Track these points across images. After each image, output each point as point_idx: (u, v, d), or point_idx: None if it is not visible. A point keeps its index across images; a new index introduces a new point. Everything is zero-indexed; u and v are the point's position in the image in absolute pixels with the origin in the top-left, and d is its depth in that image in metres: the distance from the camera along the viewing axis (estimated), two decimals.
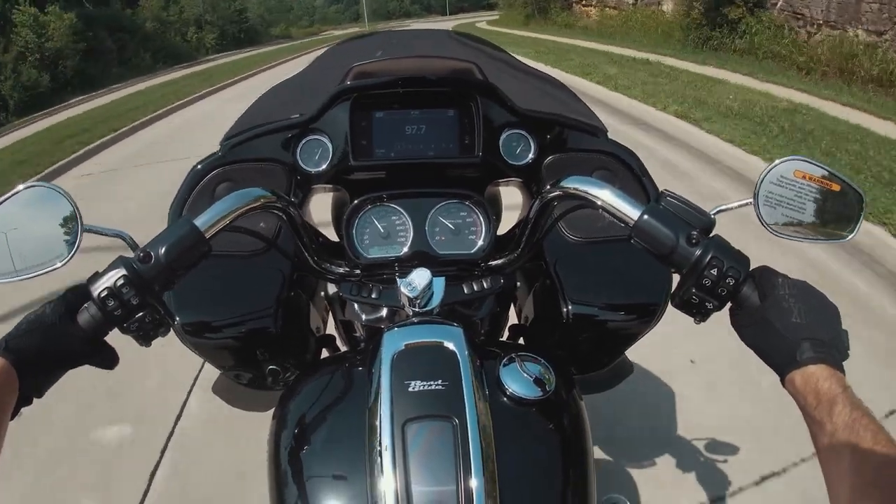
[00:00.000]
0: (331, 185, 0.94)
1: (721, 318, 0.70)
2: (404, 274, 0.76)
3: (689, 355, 2.41)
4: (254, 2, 37.79)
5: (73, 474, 2.07)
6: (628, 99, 7.46)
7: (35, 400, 0.62)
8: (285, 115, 0.92)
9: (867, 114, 5.98)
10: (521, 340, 1.03)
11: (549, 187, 0.79)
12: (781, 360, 0.61)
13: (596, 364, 0.97)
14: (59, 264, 0.68)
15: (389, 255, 0.86)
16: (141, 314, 0.65)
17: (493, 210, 0.91)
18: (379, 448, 0.60)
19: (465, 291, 0.85)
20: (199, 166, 0.91)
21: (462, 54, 1.17)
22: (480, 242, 0.88)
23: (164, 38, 25.02)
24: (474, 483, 0.58)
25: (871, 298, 2.90)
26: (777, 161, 0.70)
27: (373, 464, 0.60)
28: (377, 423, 0.62)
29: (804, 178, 0.70)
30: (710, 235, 0.67)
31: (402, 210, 0.87)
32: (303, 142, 0.90)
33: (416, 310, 0.77)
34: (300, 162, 0.90)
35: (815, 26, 9.11)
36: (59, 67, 15.21)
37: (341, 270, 0.88)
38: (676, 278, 0.69)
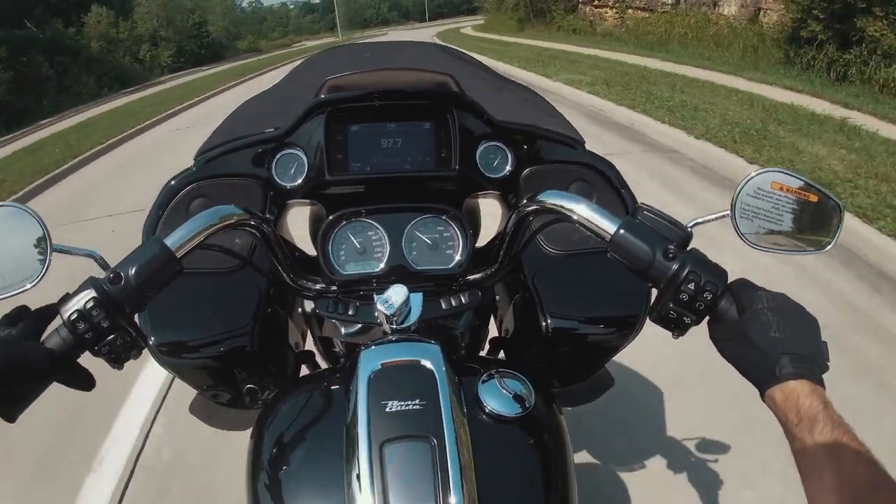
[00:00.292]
0: (307, 200, 0.92)
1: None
2: (381, 290, 0.75)
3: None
4: (216, 14, 34.88)
5: None
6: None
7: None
8: (260, 129, 0.91)
9: None
10: (501, 353, 1.02)
11: (525, 201, 0.79)
12: (760, 376, 0.61)
13: (576, 377, 0.96)
14: (29, 286, 0.66)
15: (366, 271, 0.85)
16: (112, 336, 0.64)
17: (471, 223, 0.90)
18: (357, 470, 0.59)
19: (444, 307, 0.84)
20: (172, 182, 0.89)
21: (438, 66, 1.14)
22: (458, 257, 0.87)
23: (111, 60, 22.25)
24: (454, 502, 0.57)
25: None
26: (754, 173, 0.69)
27: (350, 486, 0.59)
28: (355, 444, 0.61)
29: (781, 189, 0.69)
30: (688, 249, 0.66)
31: (378, 225, 0.86)
32: (278, 156, 0.88)
33: (394, 326, 0.76)
34: (275, 177, 0.88)
35: None
36: None
37: (318, 287, 0.87)
38: (654, 292, 0.68)
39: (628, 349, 0.91)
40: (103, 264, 0.68)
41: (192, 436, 2.14)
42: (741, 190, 0.69)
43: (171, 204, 0.88)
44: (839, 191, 3.78)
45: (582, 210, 0.71)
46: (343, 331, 0.91)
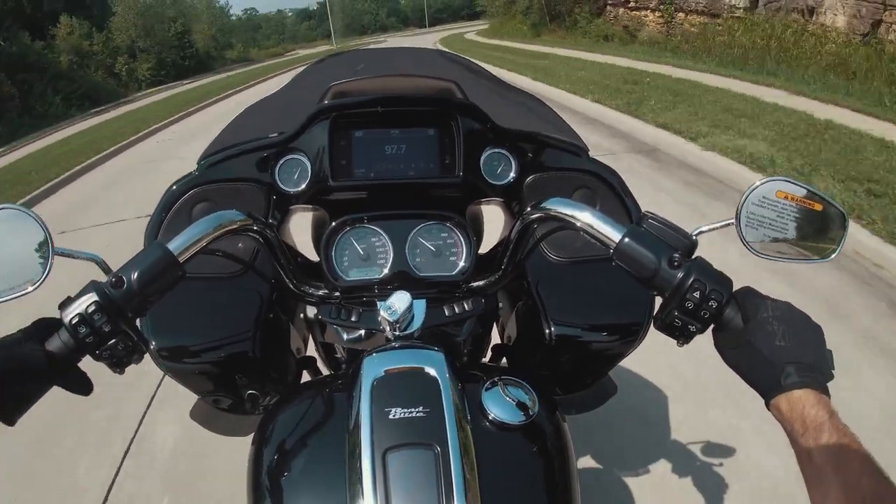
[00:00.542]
0: (310, 206, 0.92)
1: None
2: (384, 297, 0.75)
3: None
4: (203, 22, 32.68)
5: None
6: None
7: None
8: (264, 134, 0.91)
9: None
10: (504, 360, 1.02)
11: (529, 209, 0.79)
12: (765, 385, 0.61)
13: (579, 384, 0.96)
14: (30, 289, 0.66)
15: (369, 277, 0.85)
16: (113, 341, 0.63)
17: (474, 230, 0.90)
18: (359, 477, 0.59)
19: (447, 314, 0.83)
20: (174, 186, 0.89)
21: (442, 72, 1.13)
22: (461, 264, 0.87)
23: (83, 75, 19.98)
24: None
25: None
26: (758, 182, 0.69)
27: (353, 494, 0.59)
28: (357, 451, 0.60)
29: (786, 198, 0.69)
30: (693, 257, 0.66)
31: (381, 231, 0.86)
32: (281, 161, 0.88)
33: (397, 333, 0.76)
34: (278, 182, 0.88)
35: None
36: None
37: (321, 293, 0.86)
38: (659, 300, 0.68)
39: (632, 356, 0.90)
40: (106, 268, 0.67)
41: None
42: (746, 198, 0.69)
43: (174, 208, 0.87)
44: None
45: (587, 218, 0.71)
46: (345, 337, 0.90)
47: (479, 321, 0.98)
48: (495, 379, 0.70)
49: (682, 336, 0.67)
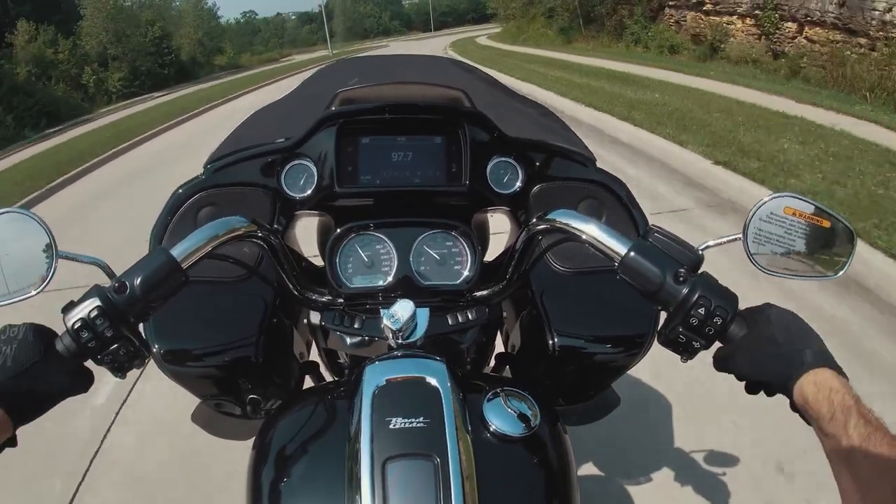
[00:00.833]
0: (316, 211, 0.92)
1: None
2: (388, 304, 0.75)
3: None
4: (189, 25, 30.03)
5: None
6: None
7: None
8: (270, 139, 0.91)
9: None
10: (507, 370, 1.01)
11: (535, 220, 0.79)
12: (788, 369, 0.59)
13: (582, 396, 0.96)
14: (33, 292, 0.66)
15: (373, 284, 0.85)
16: (115, 346, 0.63)
17: (479, 238, 0.90)
18: (358, 486, 0.58)
19: (450, 323, 0.83)
20: (180, 190, 0.89)
21: (450, 80, 1.13)
22: (466, 273, 0.86)
23: (42, 88, 17.25)
24: None
25: None
26: (766, 197, 0.69)
27: (352, 503, 0.59)
28: (357, 460, 0.60)
29: (794, 214, 0.69)
30: (699, 273, 0.66)
31: (386, 239, 0.86)
32: (287, 167, 0.88)
33: (400, 341, 0.75)
34: (284, 187, 0.89)
35: None
36: None
37: (324, 299, 0.86)
38: (664, 314, 0.68)
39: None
40: (109, 273, 0.68)
41: None
42: (754, 214, 0.68)
43: (179, 212, 0.87)
44: None
45: (592, 231, 0.71)
46: (349, 343, 0.90)
47: (482, 330, 0.97)
48: (497, 390, 0.70)
49: (686, 352, 0.66)
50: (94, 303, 0.62)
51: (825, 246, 0.70)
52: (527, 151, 0.91)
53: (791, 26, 9.58)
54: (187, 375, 0.83)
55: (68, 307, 0.63)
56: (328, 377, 1.07)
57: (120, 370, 0.66)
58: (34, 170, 8.41)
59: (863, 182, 4.00)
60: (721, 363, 0.66)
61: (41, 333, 0.62)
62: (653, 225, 0.71)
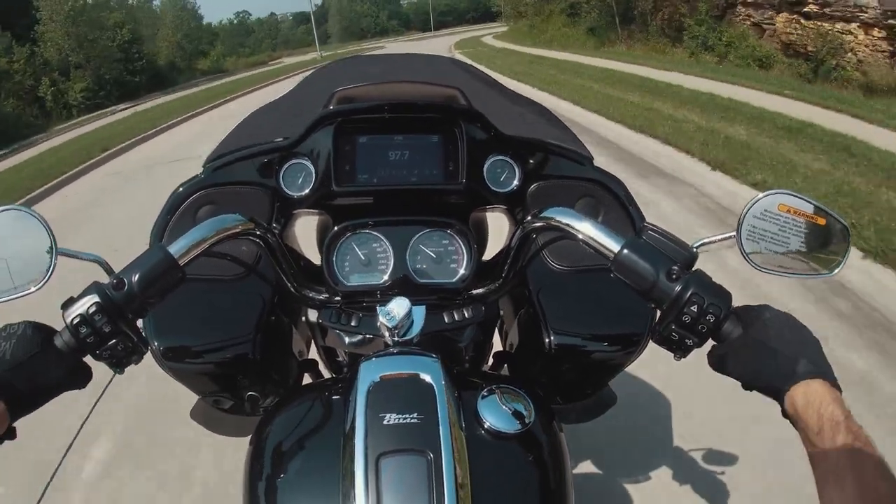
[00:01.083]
0: (314, 210, 0.93)
1: None
2: (385, 302, 0.75)
3: None
4: (168, 27, 27.52)
5: None
6: None
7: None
8: (269, 138, 0.91)
9: None
10: (504, 368, 1.01)
11: (530, 218, 0.79)
12: (780, 378, 0.59)
13: (579, 394, 0.96)
14: (33, 289, 0.67)
15: (370, 282, 0.85)
16: (113, 341, 0.64)
17: (476, 237, 0.90)
18: (352, 482, 0.59)
19: (446, 321, 0.83)
20: (180, 189, 0.89)
21: (446, 79, 1.15)
22: (462, 271, 0.86)
23: None
24: None
25: None
26: (761, 195, 0.68)
27: (346, 498, 0.59)
28: (351, 456, 0.61)
29: (788, 211, 0.68)
30: (692, 270, 0.66)
31: (383, 237, 0.86)
32: (286, 166, 0.89)
33: (396, 339, 0.76)
34: (283, 186, 0.89)
35: None
36: None
37: (321, 297, 0.87)
38: (658, 313, 0.68)
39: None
40: (108, 270, 0.68)
41: None
42: (748, 211, 0.68)
43: (179, 211, 0.88)
44: None
45: (586, 228, 0.71)
46: (347, 341, 0.91)
47: (479, 328, 0.98)
48: (492, 387, 0.70)
49: (679, 350, 0.66)
50: (92, 299, 0.63)
51: (820, 243, 0.69)
52: (524, 150, 0.91)
53: None
54: (186, 372, 0.84)
55: (67, 303, 0.64)
56: (327, 375, 1.07)
57: (118, 365, 0.67)
58: None
59: None
60: (715, 362, 0.66)
61: (40, 329, 0.64)
62: (647, 222, 0.72)
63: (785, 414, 0.60)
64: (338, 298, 0.85)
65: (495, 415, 0.66)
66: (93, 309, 0.63)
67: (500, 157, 0.90)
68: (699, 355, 0.69)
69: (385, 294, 0.83)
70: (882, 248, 3.04)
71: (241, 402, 0.89)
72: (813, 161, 4.68)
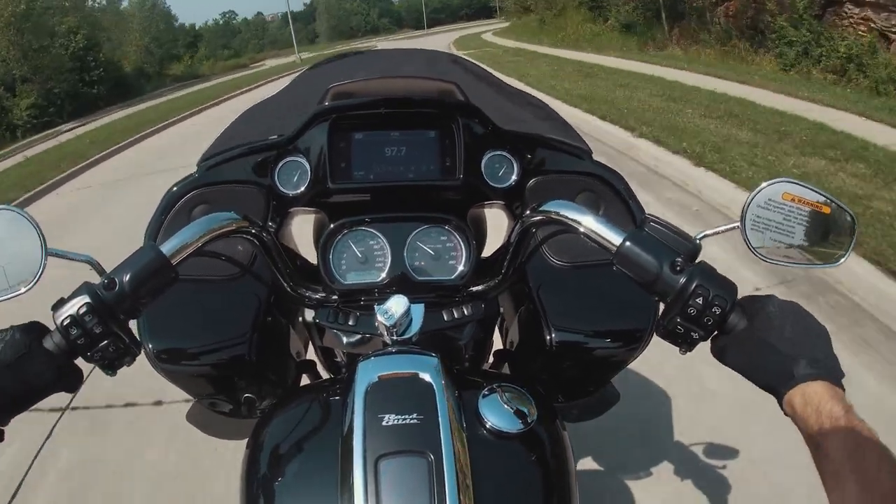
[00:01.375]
0: (310, 208, 0.91)
1: None
2: (382, 301, 0.74)
3: None
4: (134, 30, 25.00)
5: None
6: None
7: None
8: (264, 136, 0.90)
9: None
10: (505, 366, 1.00)
11: (529, 212, 0.78)
12: (778, 380, 0.59)
13: (581, 392, 0.95)
14: (23, 290, 0.66)
15: (367, 280, 0.84)
16: (105, 343, 0.63)
17: (475, 233, 0.89)
18: (351, 485, 0.58)
19: (445, 318, 0.82)
20: (174, 188, 0.88)
21: (442, 74, 1.12)
22: (461, 268, 0.85)
23: None
24: None
25: None
26: (764, 183, 0.67)
27: (345, 501, 0.58)
28: (350, 458, 0.59)
29: (793, 200, 0.67)
30: (696, 262, 0.65)
31: (380, 234, 0.85)
32: (281, 163, 0.87)
33: (395, 338, 0.75)
34: (278, 184, 0.87)
35: None
36: None
37: (318, 296, 0.85)
38: (662, 306, 0.67)
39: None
40: (100, 270, 0.67)
41: None
42: (752, 201, 0.66)
43: (173, 210, 0.87)
44: None
45: (587, 221, 0.70)
46: (345, 341, 0.91)
47: (479, 326, 0.97)
48: (493, 386, 0.69)
49: (685, 343, 0.65)
50: (83, 300, 0.62)
51: (825, 232, 0.68)
52: (522, 145, 0.90)
53: None
54: (181, 374, 0.83)
55: (58, 304, 0.63)
56: (325, 376, 1.06)
57: (110, 367, 0.66)
58: None
59: None
60: (718, 352, 0.65)
61: (30, 330, 0.63)
62: (649, 214, 0.70)
63: (785, 412, 0.59)
64: (335, 297, 0.84)
65: (497, 414, 0.65)
66: (83, 310, 0.61)
67: (498, 153, 0.88)
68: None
69: (383, 292, 0.82)
70: None
71: (238, 404, 0.88)
72: None
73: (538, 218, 0.76)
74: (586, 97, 7.70)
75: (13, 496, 2.14)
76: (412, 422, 0.60)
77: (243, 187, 0.87)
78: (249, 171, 0.88)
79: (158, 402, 2.50)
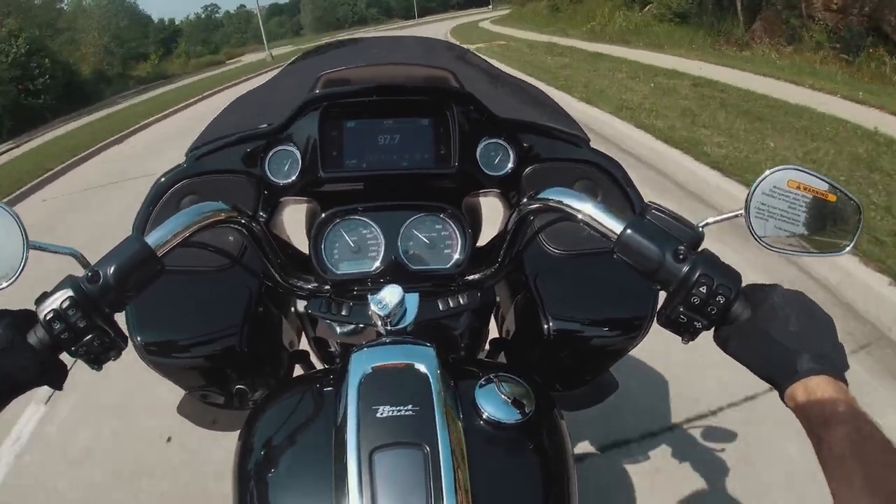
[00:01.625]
0: (301, 197, 0.90)
1: None
2: (376, 290, 0.73)
3: None
4: (92, 29, 22.38)
5: None
6: None
7: None
8: (254, 125, 0.88)
9: None
10: (502, 355, 0.99)
11: (526, 200, 0.77)
12: (780, 374, 0.58)
13: (579, 381, 0.94)
14: (5, 284, 0.65)
15: (360, 270, 0.82)
16: (89, 337, 0.62)
17: (471, 222, 0.87)
18: (345, 478, 0.57)
19: (441, 308, 0.80)
20: (162, 179, 0.86)
21: (436, 61, 1.10)
22: (456, 256, 0.83)
23: None
24: None
25: None
26: (769, 171, 0.65)
27: (339, 494, 0.57)
28: (343, 451, 0.58)
29: (798, 188, 0.65)
30: (699, 250, 0.63)
31: (373, 223, 0.83)
32: (271, 153, 0.85)
33: (389, 328, 0.73)
34: (268, 173, 0.85)
35: None
36: None
37: (310, 286, 0.84)
38: (663, 295, 0.66)
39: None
40: (84, 263, 0.66)
41: None
42: (756, 188, 0.65)
43: (162, 201, 0.85)
44: None
45: (587, 208, 0.68)
46: (338, 331, 0.90)
47: (475, 315, 0.97)
48: (490, 376, 0.68)
49: (688, 332, 0.64)
50: (66, 293, 0.61)
51: (830, 221, 0.66)
52: (518, 132, 0.88)
53: None
54: (171, 367, 0.82)
55: (41, 298, 0.62)
56: (319, 366, 1.04)
57: (95, 362, 0.65)
58: None
59: None
60: (721, 342, 0.64)
61: (12, 324, 0.61)
62: (650, 201, 0.68)
63: (786, 405, 0.58)
64: (327, 287, 0.82)
65: (494, 404, 0.65)
66: (66, 304, 0.60)
67: (494, 140, 0.87)
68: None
69: (376, 282, 0.81)
70: None
71: (230, 395, 0.87)
72: None
73: (536, 206, 0.75)
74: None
75: None
76: (407, 413, 0.60)
77: (233, 177, 0.86)
78: (239, 161, 0.86)
79: None
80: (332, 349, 1.03)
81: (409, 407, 0.60)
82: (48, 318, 0.60)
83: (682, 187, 4.15)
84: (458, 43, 12.63)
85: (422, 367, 0.64)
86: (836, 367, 0.56)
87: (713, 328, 0.64)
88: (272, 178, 0.84)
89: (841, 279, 2.70)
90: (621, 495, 1.79)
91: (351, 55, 1.24)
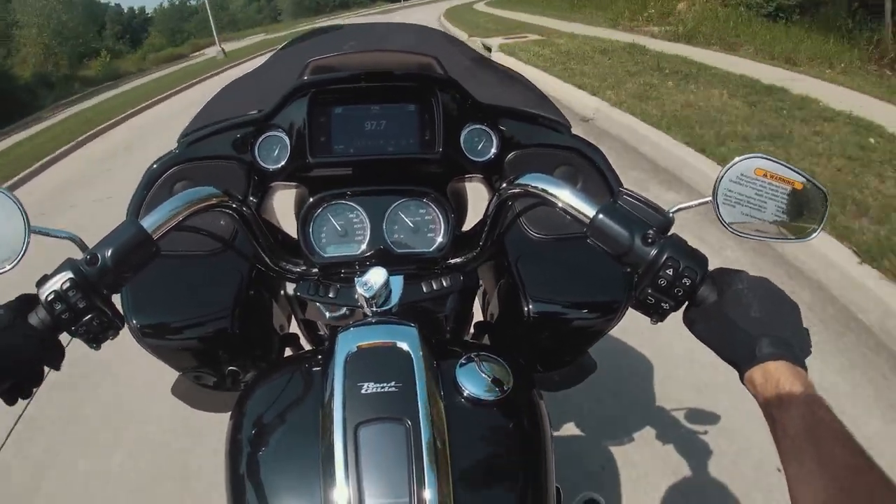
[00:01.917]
0: (291, 183, 0.91)
1: None
2: (362, 273, 0.75)
3: None
4: (32, 27, 19.57)
5: None
6: None
7: None
8: (244, 111, 0.90)
9: None
10: (486, 338, 1.02)
11: (506, 185, 0.78)
12: (740, 357, 0.60)
13: (559, 362, 0.97)
14: (7, 267, 0.67)
15: (347, 253, 0.85)
16: (89, 317, 0.64)
17: (456, 207, 0.89)
18: (332, 451, 0.59)
19: (424, 290, 0.83)
20: (154, 165, 0.88)
21: (421, 47, 1.11)
22: (440, 240, 0.86)
23: None
24: (427, 486, 0.57)
25: None
26: (737, 158, 0.67)
27: (326, 467, 0.59)
28: (330, 426, 0.61)
29: (765, 176, 0.67)
30: (668, 235, 0.65)
31: (359, 207, 0.85)
32: (261, 138, 0.88)
33: (374, 309, 0.76)
34: (258, 159, 0.88)
35: None
36: None
37: (299, 269, 0.86)
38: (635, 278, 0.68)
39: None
40: (83, 246, 0.68)
41: None
42: (724, 176, 0.67)
43: (155, 186, 0.87)
44: None
45: (562, 194, 0.70)
46: (327, 315, 0.92)
47: (459, 298, 0.98)
48: (471, 355, 0.70)
49: (656, 313, 0.66)
50: (66, 275, 0.63)
51: (797, 208, 0.68)
52: (501, 118, 0.90)
53: None
54: (164, 348, 0.83)
55: (42, 280, 0.64)
56: (308, 348, 1.06)
57: (94, 341, 0.67)
58: None
59: None
60: (688, 324, 0.66)
61: (14, 305, 0.63)
62: (623, 188, 0.71)
63: (745, 386, 0.60)
64: (315, 270, 0.85)
65: (474, 382, 0.67)
66: (67, 285, 0.62)
67: (478, 126, 0.88)
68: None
69: (363, 265, 0.82)
70: None
71: (222, 377, 0.89)
72: None
73: (515, 191, 0.76)
74: None
75: None
76: (390, 390, 0.62)
77: (224, 163, 0.87)
78: (230, 147, 0.88)
79: None
80: (321, 332, 1.07)
81: (393, 384, 0.62)
82: (49, 298, 0.62)
83: None
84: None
85: (405, 346, 0.66)
86: (794, 352, 0.58)
87: (683, 309, 0.66)
88: (262, 163, 0.86)
89: None
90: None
91: (340, 42, 1.25)
